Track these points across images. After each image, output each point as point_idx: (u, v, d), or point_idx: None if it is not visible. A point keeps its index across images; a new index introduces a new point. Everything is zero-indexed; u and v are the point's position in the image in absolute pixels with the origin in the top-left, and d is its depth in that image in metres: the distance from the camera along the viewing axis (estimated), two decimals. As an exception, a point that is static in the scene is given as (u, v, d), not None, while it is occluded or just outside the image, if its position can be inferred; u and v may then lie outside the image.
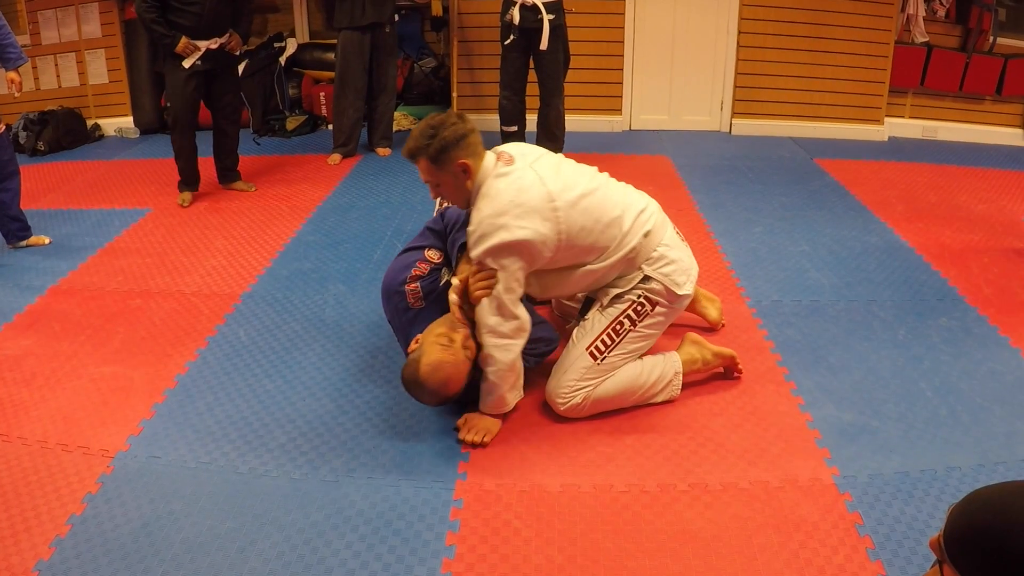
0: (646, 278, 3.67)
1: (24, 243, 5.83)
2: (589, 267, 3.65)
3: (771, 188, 6.86)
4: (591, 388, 3.68)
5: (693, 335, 4.09)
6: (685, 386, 3.94)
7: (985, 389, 4.00)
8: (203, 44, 6.22)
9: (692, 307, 4.45)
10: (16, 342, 4.54)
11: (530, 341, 3.65)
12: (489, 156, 3.56)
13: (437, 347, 3.48)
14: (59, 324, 4.72)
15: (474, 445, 3.57)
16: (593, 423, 3.74)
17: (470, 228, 3.49)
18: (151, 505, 3.25)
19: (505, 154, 3.59)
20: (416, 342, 3.64)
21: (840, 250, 5.56)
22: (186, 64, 6.23)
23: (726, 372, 4.11)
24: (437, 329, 3.58)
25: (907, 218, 6.17)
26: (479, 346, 3.58)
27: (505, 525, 3.14)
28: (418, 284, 3.83)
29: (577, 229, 3.50)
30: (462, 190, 3.55)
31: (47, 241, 5.90)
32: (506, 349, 3.50)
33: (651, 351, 3.93)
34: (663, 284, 3.67)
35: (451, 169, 3.48)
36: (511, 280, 3.44)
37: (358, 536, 3.09)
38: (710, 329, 4.47)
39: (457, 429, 3.65)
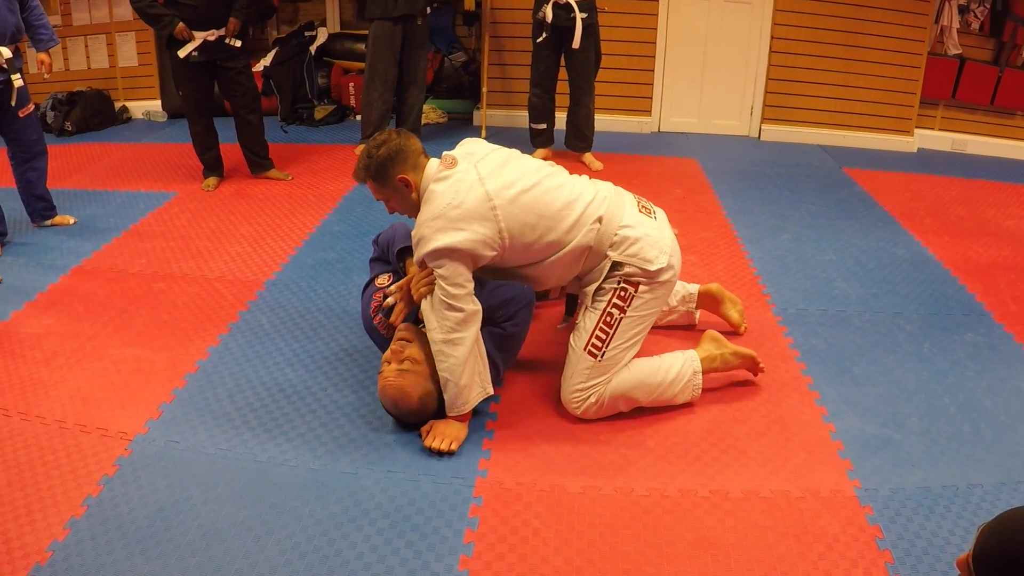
0: (616, 264, 3.64)
1: (49, 222, 5.85)
2: (547, 262, 3.66)
3: (799, 196, 6.83)
4: (601, 387, 3.67)
5: (713, 333, 4.07)
6: (708, 391, 3.92)
7: (1009, 407, 3.97)
8: (200, 35, 6.20)
9: (715, 309, 4.46)
10: (38, 321, 4.55)
11: (497, 307, 3.67)
12: (432, 163, 3.64)
13: (386, 374, 3.59)
14: (81, 304, 4.73)
15: (440, 453, 3.53)
16: (615, 425, 3.72)
17: (413, 232, 3.60)
18: (168, 490, 3.25)
19: (448, 157, 3.63)
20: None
21: (867, 261, 5.53)
22: (181, 54, 6.21)
23: (749, 372, 4.10)
24: (385, 356, 3.67)
25: (935, 231, 6.13)
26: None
27: (524, 524, 3.12)
28: (380, 315, 3.88)
29: (519, 225, 3.52)
30: (408, 202, 3.66)
31: (72, 221, 5.92)
32: (454, 344, 3.48)
33: (669, 351, 3.91)
34: (634, 265, 3.63)
35: (393, 184, 3.61)
36: (452, 281, 3.44)
37: (376, 529, 3.08)
38: (733, 333, 4.44)
39: (421, 436, 3.63)
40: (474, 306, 3.50)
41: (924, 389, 4.09)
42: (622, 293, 3.65)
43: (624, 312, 3.66)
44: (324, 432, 3.64)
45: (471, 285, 3.50)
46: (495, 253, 3.52)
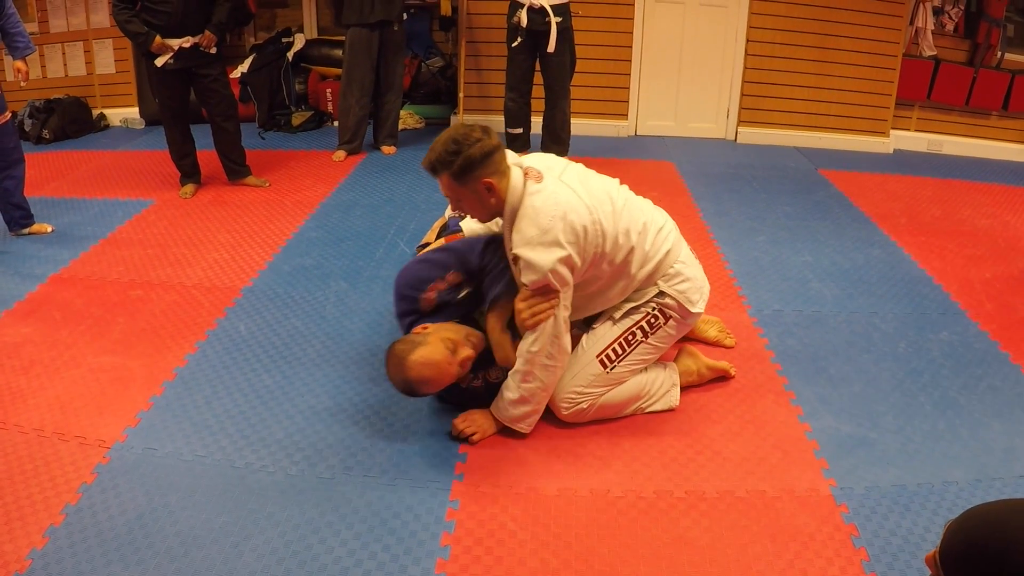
0: (661, 293, 3.66)
1: (26, 231, 5.83)
2: (616, 284, 3.63)
3: (775, 197, 6.86)
4: (596, 397, 3.69)
5: (689, 347, 4.12)
6: (684, 393, 3.95)
7: (984, 404, 4.01)
8: (175, 43, 6.18)
9: (691, 334, 4.43)
10: (16, 329, 4.53)
11: None
12: (516, 173, 3.41)
13: (440, 347, 3.43)
14: (59, 313, 4.72)
15: (463, 439, 3.57)
16: (591, 428, 3.74)
17: (516, 250, 3.34)
18: (146, 497, 3.25)
19: (533, 170, 3.45)
20: (424, 329, 3.57)
21: (843, 261, 5.56)
22: (158, 63, 6.20)
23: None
24: (448, 333, 3.51)
25: (910, 231, 6.17)
26: (481, 372, 3.69)
27: (501, 527, 3.14)
28: (435, 294, 3.68)
29: (610, 241, 3.44)
30: (486, 206, 3.45)
31: (49, 229, 5.90)
32: (548, 369, 3.46)
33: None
34: (677, 300, 3.66)
35: (475, 187, 3.37)
36: (565, 303, 3.40)
37: (353, 534, 3.08)
38: (719, 347, 4.46)
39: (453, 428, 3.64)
40: (568, 342, 3.49)
41: (899, 388, 4.12)
42: (652, 319, 3.69)
43: (647, 337, 3.70)
44: (301, 438, 3.64)
45: (570, 307, 3.47)
46: (584, 265, 3.43)
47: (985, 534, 1.70)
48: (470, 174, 3.32)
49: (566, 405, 3.69)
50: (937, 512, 3.25)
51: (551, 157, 3.71)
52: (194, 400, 3.91)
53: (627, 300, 3.72)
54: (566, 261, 3.30)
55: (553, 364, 3.45)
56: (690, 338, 4.40)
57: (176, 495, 3.26)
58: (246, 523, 3.12)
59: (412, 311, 3.73)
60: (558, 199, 3.32)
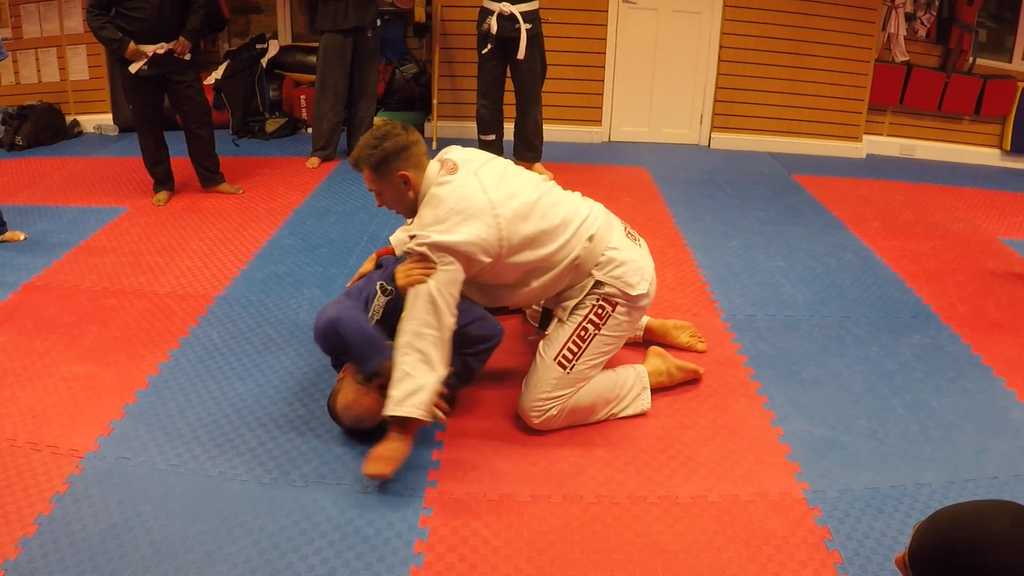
0: (598, 283, 3.68)
1: (-1, 239, 5.81)
2: (535, 276, 3.67)
3: (748, 203, 6.89)
4: (564, 400, 3.69)
5: (657, 348, 4.15)
6: (656, 398, 3.96)
7: (956, 407, 4.04)
8: (150, 49, 6.15)
9: (663, 340, 4.44)
10: (-13, 339, 4.52)
11: (469, 342, 3.66)
12: (432, 165, 3.60)
13: (350, 388, 3.59)
14: (32, 321, 4.69)
15: (378, 479, 3.41)
16: (564, 435, 3.74)
17: (409, 230, 3.57)
18: (120, 506, 3.24)
19: (449, 161, 3.61)
20: (342, 373, 3.70)
21: (815, 266, 5.59)
22: (132, 69, 6.18)
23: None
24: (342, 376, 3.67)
25: (883, 235, 6.20)
26: None
27: (474, 534, 3.14)
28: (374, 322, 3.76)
29: (519, 239, 3.51)
30: (404, 199, 3.62)
31: (22, 237, 5.86)
32: (422, 338, 3.38)
33: (617, 365, 3.95)
34: (615, 287, 3.67)
35: (392, 179, 3.55)
36: (447, 279, 3.40)
37: (327, 542, 3.08)
38: (691, 352, 4.46)
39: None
40: (451, 319, 3.43)
41: (872, 391, 4.15)
42: (599, 311, 3.68)
43: (599, 329, 3.69)
44: (274, 446, 3.63)
45: (458, 297, 3.48)
46: (489, 261, 3.49)
47: (954, 536, 1.72)
48: (386, 166, 3.52)
49: (535, 414, 3.69)
50: (910, 514, 3.27)
51: (475, 151, 3.81)
52: (167, 409, 3.90)
53: (568, 298, 3.75)
54: (452, 244, 3.38)
55: (430, 333, 3.38)
56: (662, 343, 4.41)
57: (150, 504, 3.25)
58: (219, 532, 3.12)
59: (332, 351, 3.88)
60: (463, 192, 3.47)
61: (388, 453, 3.42)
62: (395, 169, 3.52)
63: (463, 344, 3.64)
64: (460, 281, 3.45)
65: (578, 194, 3.90)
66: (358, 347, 3.59)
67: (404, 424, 3.42)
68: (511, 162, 3.86)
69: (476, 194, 3.47)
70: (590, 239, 3.64)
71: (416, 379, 3.36)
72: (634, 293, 3.68)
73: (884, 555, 3.05)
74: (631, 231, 3.90)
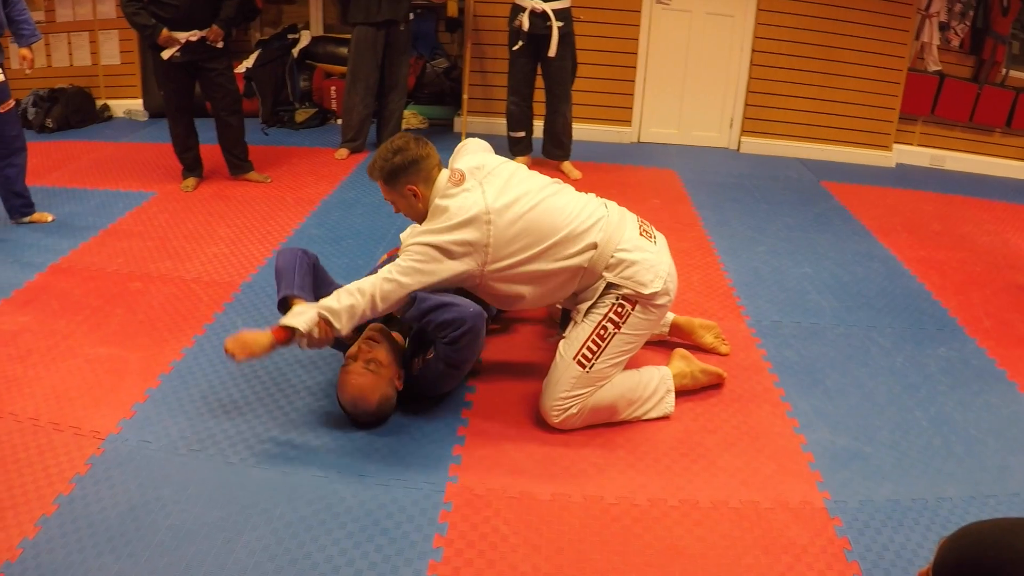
0: (610, 284, 3.69)
1: (27, 219, 5.83)
2: (539, 283, 3.73)
3: (777, 208, 6.86)
4: (584, 399, 3.68)
5: (682, 350, 4.15)
6: (680, 401, 3.94)
7: (980, 421, 4.01)
8: (182, 36, 6.18)
9: (688, 339, 4.47)
10: (13, 318, 4.53)
11: (434, 329, 3.62)
12: (443, 176, 3.74)
13: (343, 371, 3.72)
14: (57, 302, 4.72)
15: (229, 355, 3.48)
16: (586, 434, 3.73)
17: (407, 235, 3.84)
18: (139, 489, 3.25)
19: (457, 172, 3.73)
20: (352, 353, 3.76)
21: (842, 274, 5.56)
22: (164, 56, 6.21)
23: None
24: (353, 350, 3.76)
25: (911, 246, 6.17)
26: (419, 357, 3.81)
27: (493, 531, 3.13)
28: None
29: (509, 247, 3.61)
30: (415, 209, 3.80)
31: (50, 219, 5.90)
32: (348, 298, 3.53)
33: (640, 366, 3.95)
34: (627, 287, 3.67)
35: (402, 192, 3.74)
36: (406, 267, 3.53)
37: (345, 533, 3.08)
38: (715, 354, 4.46)
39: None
40: (382, 305, 3.55)
41: (895, 402, 4.12)
42: (619, 309, 3.68)
43: (619, 328, 3.69)
44: (296, 435, 3.64)
45: (419, 285, 3.57)
46: (476, 265, 3.58)
47: (979, 552, 1.70)
48: (396, 180, 3.72)
49: (555, 412, 3.70)
50: (930, 528, 3.24)
51: (488, 153, 3.99)
52: (190, 394, 3.91)
53: (583, 300, 3.78)
54: (437, 245, 3.56)
55: (356, 296, 3.52)
56: (687, 342, 4.43)
57: (169, 488, 3.26)
58: (239, 519, 3.12)
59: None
60: (462, 203, 3.61)
61: (252, 339, 3.51)
62: (405, 182, 3.70)
63: (434, 332, 3.63)
64: (424, 273, 3.55)
65: (591, 196, 3.92)
66: (277, 275, 3.82)
67: (286, 333, 3.51)
68: (522, 166, 3.94)
69: (475, 203, 3.60)
70: (593, 246, 3.67)
71: (314, 308, 3.53)
72: (647, 292, 3.66)
73: (903, 568, 3.03)
74: (647, 228, 3.89)
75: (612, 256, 3.67)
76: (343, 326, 3.50)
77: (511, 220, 3.59)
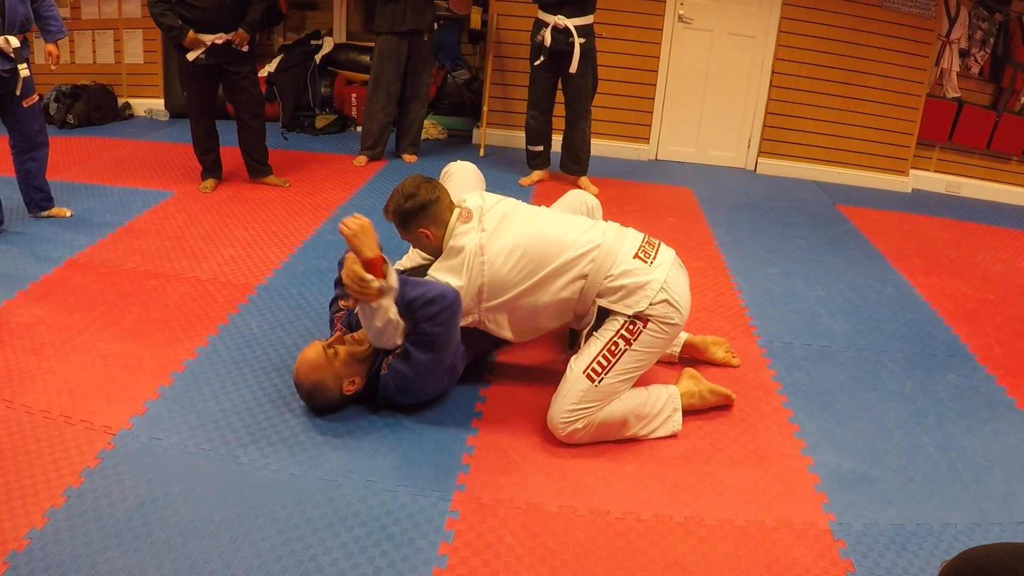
0: (603, 310, 3.81)
1: (46, 213, 5.87)
2: (534, 314, 3.90)
3: (791, 230, 6.87)
4: (591, 413, 3.69)
5: (691, 370, 4.16)
6: (689, 419, 3.95)
7: (987, 449, 4.00)
8: (208, 38, 6.23)
9: (701, 356, 4.51)
10: (29, 310, 4.56)
11: (423, 304, 3.63)
12: (454, 215, 3.91)
13: (316, 352, 3.78)
14: (73, 297, 4.74)
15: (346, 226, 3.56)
16: (594, 449, 3.74)
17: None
18: (148, 486, 3.27)
19: (465, 211, 3.92)
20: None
21: (855, 298, 5.57)
22: (189, 57, 6.26)
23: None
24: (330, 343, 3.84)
25: (924, 271, 6.17)
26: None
27: (499, 540, 3.14)
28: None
29: (503, 283, 3.80)
30: (428, 248, 4.02)
31: (68, 214, 5.94)
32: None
33: (649, 384, 3.97)
34: (619, 313, 3.74)
35: (415, 234, 3.95)
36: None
37: (352, 537, 3.10)
38: (727, 367, 4.49)
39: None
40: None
41: (904, 427, 4.12)
42: (631, 326, 3.71)
43: (630, 344, 3.71)
44: (306, 438, 3.65)
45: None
46: (471, 300, 3.82)
47: (982, 574, 1.71)
48: (408, 224, 3.92)
49: (561, 425, 3.70)
50: (934, 553, 3.25)
51: (485, 195, 4.09)
52: (202, 393, 3.93)
53: (585, 324, 3.90)
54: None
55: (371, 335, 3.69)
56: (700, 359, 4.46)
57: (178, 486, 3.28)
58: (246, 519, 3.14)
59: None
60: (463, 243, 3.82)
61: (372, 237, 3.59)
62: (416, 226, 3.90)
63: (411, 314, 3.66)
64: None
65: (587, 222, 3.99)
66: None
67: (383, 264, 3.60)
68: (520, 202, 4.10)
69: (469, 249, 3.80)
70: (583, 277, 3.78)
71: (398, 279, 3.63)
72: (630, 313, 3.71)
73: (906, 592, 3.05)
74: (647, 246, 3.89)
75: (602, 283, 3.75)
76: (388, 305, 3.58)
77: (505, 255, 3.76)
